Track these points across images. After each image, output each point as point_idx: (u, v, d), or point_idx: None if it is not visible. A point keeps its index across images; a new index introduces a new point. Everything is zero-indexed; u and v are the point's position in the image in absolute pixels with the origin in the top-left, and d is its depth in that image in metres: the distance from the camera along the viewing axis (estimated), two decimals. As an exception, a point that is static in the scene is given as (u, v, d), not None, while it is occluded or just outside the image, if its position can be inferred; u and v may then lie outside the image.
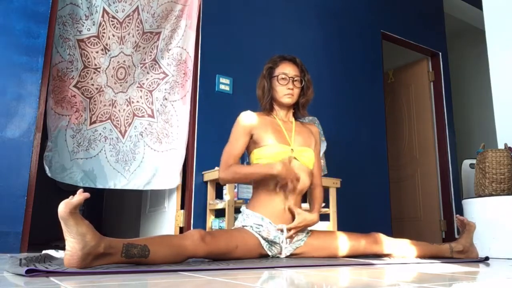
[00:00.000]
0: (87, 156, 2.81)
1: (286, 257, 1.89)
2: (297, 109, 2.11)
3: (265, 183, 1.92)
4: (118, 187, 2.89)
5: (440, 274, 1.37)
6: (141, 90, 3.05)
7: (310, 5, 3.91)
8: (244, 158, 2.64)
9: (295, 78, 2.02)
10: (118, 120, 2.94)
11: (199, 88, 3.19)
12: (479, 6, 3.91)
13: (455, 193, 4.46)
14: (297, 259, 1.83)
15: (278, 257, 1.89)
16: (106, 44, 2.93)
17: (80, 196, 1.23)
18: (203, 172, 3.04)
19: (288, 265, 1.53)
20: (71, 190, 1.77)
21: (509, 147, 2.75)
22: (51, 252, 1.79)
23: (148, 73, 3.08)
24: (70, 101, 2.81)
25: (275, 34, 3.63)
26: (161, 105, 3.08)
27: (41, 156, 2.60)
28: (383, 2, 4.45)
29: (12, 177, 2.41)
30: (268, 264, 1.57)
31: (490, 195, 2.64)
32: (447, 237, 4.36)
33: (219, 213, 2.93)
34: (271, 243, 1.87)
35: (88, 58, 2.88)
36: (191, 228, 2.93)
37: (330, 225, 3.00)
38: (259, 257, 1.85)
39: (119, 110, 2.95)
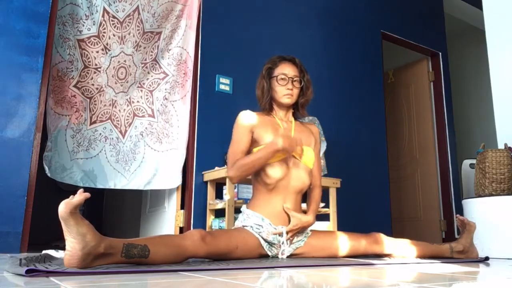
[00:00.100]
0: (87, 156, 2.81)
1: (286, 257, 1.89)
2: (296, 109, 2.11)
3: (265, 183, 1.92)
4: (119, 187, 2.89)
5: (440, 274, 1.37)
6: (141, 90, 3.05)
7: (310, 5, 3.91)
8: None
9: (295, 79, 2.02)
10: (118, 120, 2.94)
11: (199, 88, 3.19)
12: (479, 6, 3.91)
13: (455, 193, 4.46)
14: (297, 259, 1.83)
15: (278, 257, 1.89)
16: (107, 44, 2.93)
17: (80, 196, 1.23)
18: (203, 172, 3.04)
19: (288, 265, 1.53)
20: (71, 190, 1.77)
21: (509, 147, 2.75)
22: (51, 252, 1.79)
23: (148, 73, 3.08)
24: (70, 101, 2.81)
25: (275, 34, 3.63)
26: (161, 105, 3.08)
27: (41, 156, 2.60)
28: (383, 2, 4.45)
29: (12, 177, 2.41)
30: (268, 264, 1.57)
31: (490, 195, 2.64)
32: (447, 237, 4.36)
33: (219, 213, 2.93)
34: (271, 243, 1.87)
35: (89, 58, 2.88)
36: (191, 228, 2.93)
37: (330, 225, 3.00)
38: (259, 257, 1.85)
39: (119, 110, 2.95)
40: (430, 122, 4.71)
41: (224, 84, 3.28)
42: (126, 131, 2.96)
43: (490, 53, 3.19)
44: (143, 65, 3.06)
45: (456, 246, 2.03)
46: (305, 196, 2.09)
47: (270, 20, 3.65)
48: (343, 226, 2.89)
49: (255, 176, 1.96)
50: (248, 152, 1.97)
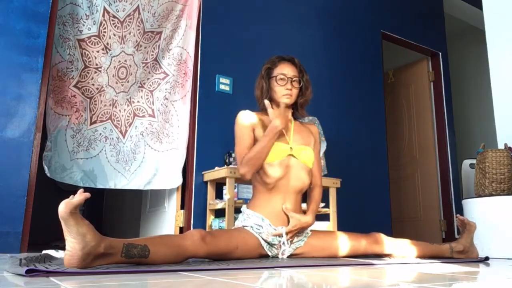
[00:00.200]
0: (87, 156, 2.81)
1: (286, 257, 1.89)
2: (295, 109, 2.11)
3: (265, 182, 1.92)
4: (119, 187, 2.89)
5: (440, 274, 1.37)
6: (142, 90, 3.05)
7: (310, 5, 3.91)
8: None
9: (294, 79, 2.03)
10: (118, 120, 2.94)
11: (199, 88, 3.19)
12: (479, 6, 3.91)
13: (455, 193, 4.46)
14: (297, 259, 1.83)
15: (278, 257, 1.89)
16: (107, 44, 2.93)
17: (80, 196, 1.23)
18: (203, 172, 3.04)
19: (288, 265, 1.53)
20: (71, 190, 1.77)
21: (509, 147, 2.75)
22: (51, 252, 1.79)
23: (149, 72, 3.08)
24: (70, 101, 2.81)
25: (275, 34, 3.63)
26: (161, 104, 3.08)
27: (41, 156, 2.60)
28: (383, 2, 4.45)
29: (12, 177, 2.41)
30: (268, 264, 1.57)
31: (490, 195, 2.64)
32: (447, 237, 4.36)
33: (219, 213, 2.93)
34: (271, 243, 1.87)
35: (89, 57, 2.88)
36: (191, 228, 2.93)
37: (330, 225, 3.00)
38: (259, 257, 1.85)
39: (119, 110, 2.95)
40: (430, 122, 4.72)
41: (224, 84, 3.28)
42: (126, 131, 2.96)
43: (490, 53, 3.19)
44: (144, 64, 3.06)
45: (456, 246, 2.03)
46: (305, 196, 2.09)
47: (270, 20, 3.65)
48: (343, 226, 2.89)
49: (255, 176, 1.96)
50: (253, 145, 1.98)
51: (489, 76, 3.17)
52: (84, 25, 2.87)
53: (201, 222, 2.96)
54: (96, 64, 2.90)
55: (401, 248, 1.98)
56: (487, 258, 2.09)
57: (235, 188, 2.75)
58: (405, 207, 4.82)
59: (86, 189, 1.39)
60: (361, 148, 3.93)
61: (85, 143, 2.82)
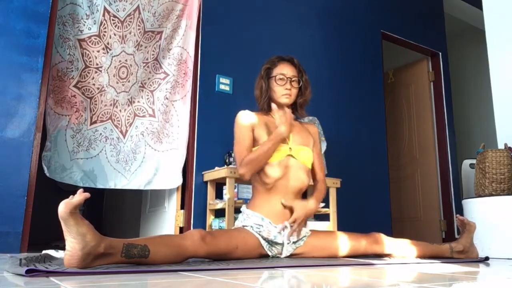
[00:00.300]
0: (87, 156, 2.81)
1: (286, 257, 1.89)
2: (295, 110, 2.12)
3: (264, 182, 1.92)
4: (119, 187, 2.89)
5: (440, 274, 1.37)
6: (142, 90, 3.05)
7: (310, 5, 3.91)
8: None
9: (293, 79, 2.03)
10: (119, 120, 2.94)
11: (199, 88, 3.20)
12: (479, 6, 3.91)
13: (455, 193, 4.46)
14: (297, 259, 1.83)
15: (278, 257, 1.89)
16: (108, 43, 2.94)
17: (80, 196, 1.23)
18: (203, 172, 3.04)
19: (288, 265, 1.53)
20: (71, 190, 1.77)
21: (509, 147, 2.75)
22: (51, 252, 1.79)
23: (150, 72, 3.09)
24: (70, 101, 2.81)
25: (275, 34, 3.63)
26: (162, 104, 3.08)
27: (41, 156, 2.60)
28: (383, 2, 4.45)
29: (12, 177, 2.41)
30: (268, 264, 1.57)
31: (490, 195, 2.64)
32: (447, 237, 4.36)
33: (219, 213, 2.93)
34: (271, 243, 1.87)
35: (90, 57, 2.88)
36: (191, 228, 2.93)
37: (330, 225, 3.00)
38: (259, 257, 1.85)
39: (120, 110, 2.95)
40: (430, 122, 4.72)
41: (224, 84, 3.28)
42: (127, 131, 2.96)
43: (490, 53, 3.19)
44: (144, 64, 3.06)
45: (456, 246, 2.03)
46: (304, 196, 2.09)
47: (270, 20, 3.65)
48: (343, 226, 2.89)
49: (254, 176, 1.97)
50: (252, 145, 1.98)
51: (489, 76, 3.17)
52: (84, 25, 2.87)
53: (201, 222, 2.96)
54: (97, 64, 2.90)
55: (401, 248, 1.98)
56: (487, 258, 2.09)
57: (235, 188, 2.75)
58: (405, 207, 4.82)
59: (86, 189, 1.39)
60: (361, 148, 3.93)
61: (85, 143, 2.82)
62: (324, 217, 3.15)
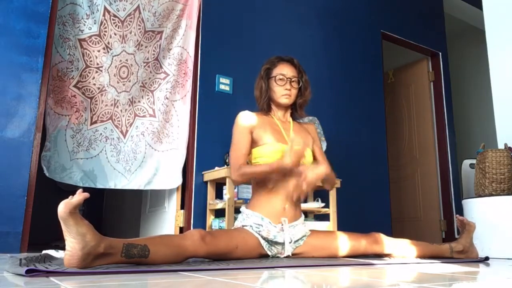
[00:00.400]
0: (87, 156, 2.81)
1: (286, 257, 1.89)
2: (294, 110, 2.12)
3: (264, 183, 1.92)
4: (119, 187, 2.89)
5: (440, 274, 1.37)
6: (143, 90, 3.05)
7: (310, 5, 3.91)
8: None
9: (293, 79, 2.03)
10: (119, 120, 2.94)
11: (199, 88, 3.20)
12: (479, 6, 3.91)
13: (455, 193, 4.46)
14: (297, 259, 1.83)
15: (278, 257, 1.89)
16: (108, 43, 2.94)
17: (79, 196, 1.23)
18: (203, 172, 3.04)
19: (288, 265, 1.53)
20: (71, 190, 1.77)
21: (509, 147, 2.75)
22: (51, 252, 1.79)
23: (150, 72, 3.09)
24: (70, 101, 2.81)
25: (275, 34, 3.63)
26: (162, 104, 3.08)
27: (40, 156, 2.60)
28: (383, 2, 4.45)
29: (12, 177, 2.41)
30: (268, 264, 1.57)
31: (490, 195, 2.64)
32: (447, 237, 4.36)
33: (219, 213, 2.93)
34: (271, 243, 1.87)
35: (90, 57, 2.88)
36: (191, 228, 2.93)
37: (330, 225, 3.00)
38: (259, 257, 1.85)
39: (121, 110, 2.95)
40: (430, 122, 4.72)
41: (224, 84, 3.28)
42: (127, 131, 2.96)
43: (490, 53, 3.19)
44: (145, 64, 3.06)
45: (456, 246, 2.03)
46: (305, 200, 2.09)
47: (270, 20, 3.65)
48: (343, 226, 2.89)
49: (255, 177, 1.96)
50: (249, 150, 1.97)
51: (489, 76, 3.17)
52: (84, 25, 2.87)
53: (201, 222, 2.96)
54: (97, 64, 2.90)
55: (401, 248, 1.98)
56: (487, 258, 2.09)
57: (235, 188, 2.75)
58: (405, 207, 4.82)
59: (86, 189, 1.39)
60: (361, 148, 3.93)
61: (85, 143, 2.82)
62: (324, 217, 3.15)
